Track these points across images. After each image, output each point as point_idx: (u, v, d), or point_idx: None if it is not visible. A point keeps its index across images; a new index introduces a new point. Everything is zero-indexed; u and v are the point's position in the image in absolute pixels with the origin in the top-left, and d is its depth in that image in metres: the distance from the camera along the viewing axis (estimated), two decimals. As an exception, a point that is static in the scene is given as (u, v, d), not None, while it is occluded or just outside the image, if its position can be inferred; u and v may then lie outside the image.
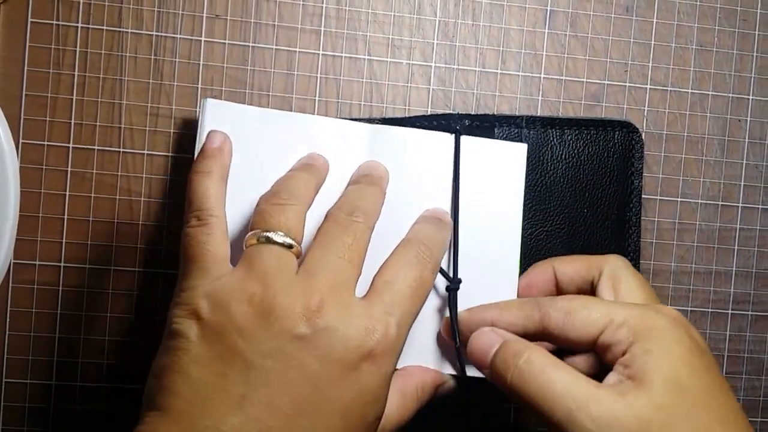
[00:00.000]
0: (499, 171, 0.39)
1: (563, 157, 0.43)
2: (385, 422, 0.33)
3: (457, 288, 0.38)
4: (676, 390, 0.31)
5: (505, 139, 0.42)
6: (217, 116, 0.37)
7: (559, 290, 0.38)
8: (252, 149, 0.37)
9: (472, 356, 0.35)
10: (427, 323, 0.39)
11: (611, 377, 0.32)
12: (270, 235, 0.32)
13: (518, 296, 0.39)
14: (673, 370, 0.32)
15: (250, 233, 0.32)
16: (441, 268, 0.37)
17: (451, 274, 0.38)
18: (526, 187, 0.40)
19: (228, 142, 0.36)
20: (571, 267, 0.38)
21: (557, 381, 0.32)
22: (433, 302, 0.39)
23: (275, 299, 0.30)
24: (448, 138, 0.39)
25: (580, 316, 0.33)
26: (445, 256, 0.38)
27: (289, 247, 0.32)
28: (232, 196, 0.35)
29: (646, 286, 0.36)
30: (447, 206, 0.39)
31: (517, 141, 0.41)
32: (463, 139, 0.39)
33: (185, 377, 0.30)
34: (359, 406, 0.31)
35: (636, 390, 0.31)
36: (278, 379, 0.29)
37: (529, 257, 0.41)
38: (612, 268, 0.37)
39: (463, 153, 0.39)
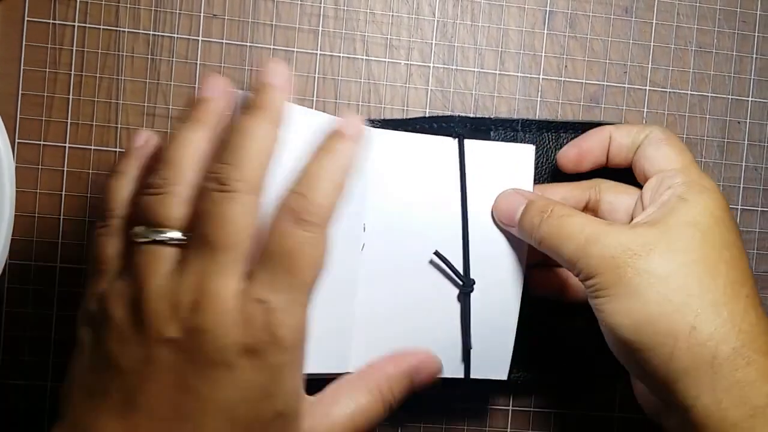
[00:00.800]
0: (508, 172, 0.40)
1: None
2: (355, 420, 0.33)
3: (471, 290, 0.38)
4: (690, 229, 0.34)
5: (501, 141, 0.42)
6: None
7: (609, 156, 0.40)
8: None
9: (500, 216, 0.39)
10: (436, 327, 0.39)
11: (638, 217, 0.37)
12: (140, 230, 0.30)
13: (572, 161, 0.41)
14: (697, 217, 0.34)
15: (133, 228, 0.30)
16: (455, 269, 0.38)
17: (462, 273, 0.38)
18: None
19: (153, 139, 0.34)
20: (623, 132, 0.40)
21: (573, 222, 0.35)
22: (444, 305, 0.39)
23: (145, 303, 0.29)
24: (451, 142, 0.39)
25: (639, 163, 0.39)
26: (459, 258, 0.39)
27: (163, 242, 0.29)
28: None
29: (686, 151, 0.38)
30: (456, 210, 0.39)
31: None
32: (469, 142, 0.39)
33: (78, 385, 0.30)
34: (248, 405, 0.29)
35: (651, 225, 0.35)
36: (154, 384, 0.28)
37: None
38: (654, 132, 0.39)
39: (470, 156, 0.39)
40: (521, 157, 0.40)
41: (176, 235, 0.29)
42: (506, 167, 0.40)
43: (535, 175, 0.41)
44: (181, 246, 0.29)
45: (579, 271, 0.35)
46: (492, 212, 0.39)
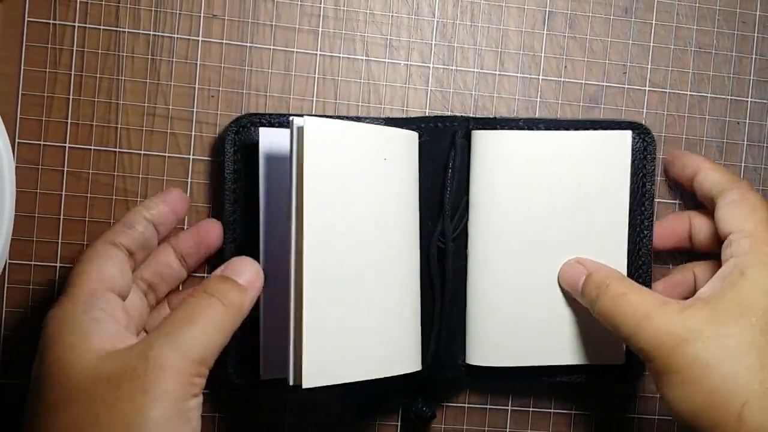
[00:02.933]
0: (607, 158, 0.41)
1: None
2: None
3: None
4: (742, 311, 0.33)
5: None
6: (315, 138, 0.35)
7: (691, 239, 0.42)
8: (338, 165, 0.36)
9: (565, 284, 0.41)
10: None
11: (701, 290, 0.37)
12: None
13: (653, 243, 0.42)
14: (753, 297, 0.34)
15: None
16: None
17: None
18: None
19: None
20: (704, 220, 0.41)
21: (627, 302, 0.36)
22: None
23: None
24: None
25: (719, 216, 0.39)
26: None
27: None
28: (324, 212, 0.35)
29: (759, 209, 0.38)
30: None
31: None
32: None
33: None
34: None
35: (701, 306, 0.34)
36: None
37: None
38: (730, 192, 0.39)
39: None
40: (619, 143, 0.42)
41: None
42: (605, 153, 0.42)
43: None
44: None
45: (637, 352, 0.36)
46: (558, 278, 0.41)
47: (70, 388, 0.30)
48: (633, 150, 0.42)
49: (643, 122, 0.44)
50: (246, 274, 0.35)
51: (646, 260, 0.42)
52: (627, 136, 0.41)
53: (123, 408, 0.29)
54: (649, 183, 0.42)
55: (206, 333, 0.32)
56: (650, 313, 0.35)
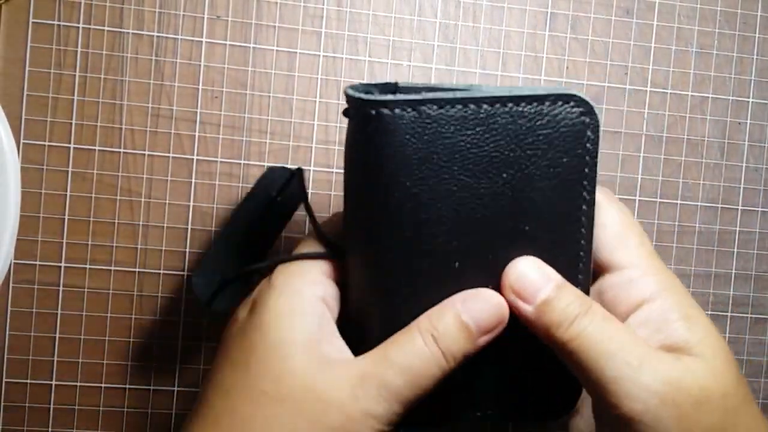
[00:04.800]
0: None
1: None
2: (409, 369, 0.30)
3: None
4: (727, 361, 0.30)
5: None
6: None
7: None
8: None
9: (515, 287, 0.31)
10: None
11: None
12: None
13: None
14: (718, 343, 0.30)
15: None
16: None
17: None
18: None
19: None
20: None
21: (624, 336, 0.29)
22: None
23: None
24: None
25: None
26: None
27: None
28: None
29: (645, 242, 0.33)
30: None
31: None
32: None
33: None
34: None
35: (690, 357, 0.29)
36: None
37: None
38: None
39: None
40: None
41: None
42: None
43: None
44: None
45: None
46: (502, 277, 0.31)
47: (284, 393, 0.29)
48: (564, 126, 0.32)
49: (644, 123, 0.44)
50: (486, 324, 0.30)
51: (586, 249, 0.32)
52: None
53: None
54: (588, 168, 0.32)
55: (421, 391, 0.29)
56: (641, 358, 0.28)
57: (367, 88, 0.31)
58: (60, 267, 0.41)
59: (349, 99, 0.31)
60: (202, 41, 0.42)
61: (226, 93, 0.42)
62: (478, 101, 0.30)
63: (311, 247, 0.34)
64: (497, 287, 0.31)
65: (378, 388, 0.29)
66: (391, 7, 0.43)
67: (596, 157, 0.31)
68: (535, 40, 0.44)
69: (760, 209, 0.45)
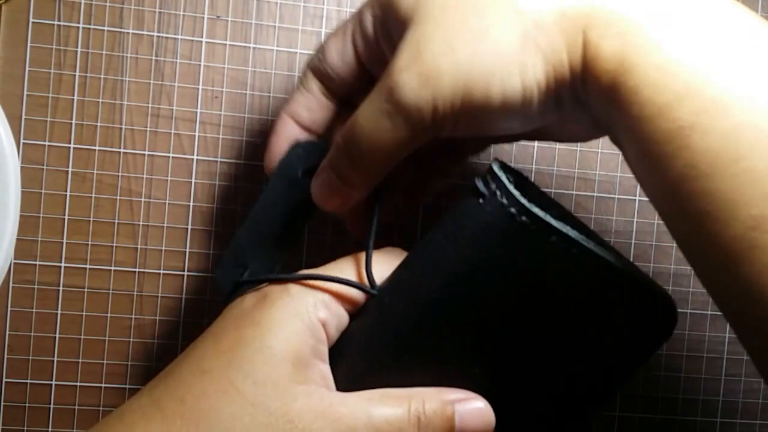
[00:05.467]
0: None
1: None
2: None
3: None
4: None
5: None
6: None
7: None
8: None
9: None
10: None
11: None
12: None
13: None
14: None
15: None
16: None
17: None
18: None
19: None
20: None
21: None
22: None
23: None
24: None
25: None
26: None
27: None
28: None
29: None
30: None
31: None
32: None
33: None
34: None
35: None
36: None
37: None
38: None
39: None
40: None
41: None
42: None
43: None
44: None
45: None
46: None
47: (271, 408, 0.28)
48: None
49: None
50: (472, 427, 0.30)
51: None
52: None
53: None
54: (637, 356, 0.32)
55: None
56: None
57: (505, 172, 0.30)
58: (60, 267, 0.41)
59: (515, 201, 0.29)
60: (202, 41, 0.42)
61: (226, 93, 0.42)
62: (599, 259, 0.29)
63: (347, 271, 0.32)
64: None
65: None
66: (391, 7, 0.43)
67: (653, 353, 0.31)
68: (535, 40, 0.44)
69: (760, 209, 0.45)
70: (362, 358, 0.31)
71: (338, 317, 0.31)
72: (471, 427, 0.30)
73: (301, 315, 0.30)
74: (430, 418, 0.29)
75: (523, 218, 0.28)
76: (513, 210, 0.28)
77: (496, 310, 0.30)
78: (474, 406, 0.30)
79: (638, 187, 0.44)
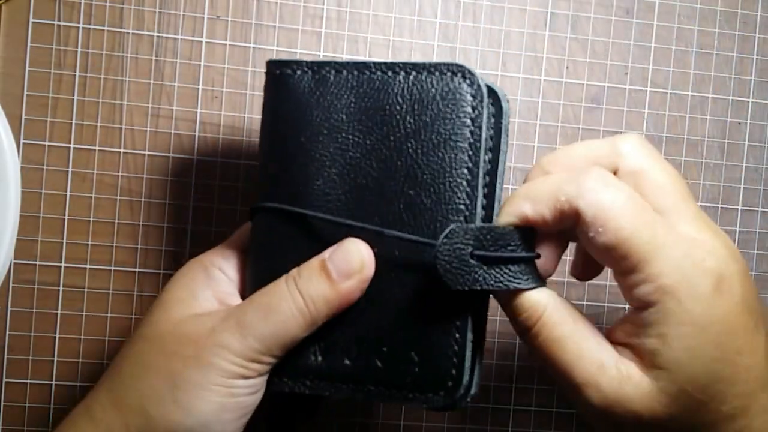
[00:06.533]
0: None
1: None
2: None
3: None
4: (688, 366, 0.29)
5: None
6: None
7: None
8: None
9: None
10: None
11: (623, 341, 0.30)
12: None
13: None
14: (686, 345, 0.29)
15: None
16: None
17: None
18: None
19: None
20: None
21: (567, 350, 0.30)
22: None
23: None
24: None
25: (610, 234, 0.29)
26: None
27: None
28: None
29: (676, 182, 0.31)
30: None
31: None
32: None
33: None
34: None
35: (642, 380, 0.29)
36: None
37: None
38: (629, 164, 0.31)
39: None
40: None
41: None
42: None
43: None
44: None
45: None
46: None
47: (155, 334, 0.32)
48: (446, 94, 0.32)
49: (644, 123, 0.44)
50: (347, 269, 0.31)
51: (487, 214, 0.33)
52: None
53: (175, 364, 0.31)
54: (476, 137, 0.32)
55: (277, 329, 0.31)
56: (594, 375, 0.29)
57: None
58: (60, 267, 0.41)
59: (266, 64, 0.34)
60: (202, 41, 0.42)
61: (226, 93, 0.42)
62: (373, 68, 0.32)
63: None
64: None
65: (237, 323, 0.31)
66: (391, 7, 0.43)
67: (481, 126, 0.31)
68: (535, 40, 0.44)
69: (760, 209, 0.45)
70: (252, 271, 0.34)
71: (233, 260, 0.35)
72: (344, 263, 0.31)
73: (189, 269, 0.34)
74: (306, 274, 0.31)
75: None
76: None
77: (337, 161, 0.33)
78: (342, 246, 0.32)
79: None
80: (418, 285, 0.32)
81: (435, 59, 0.43)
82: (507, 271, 0.30)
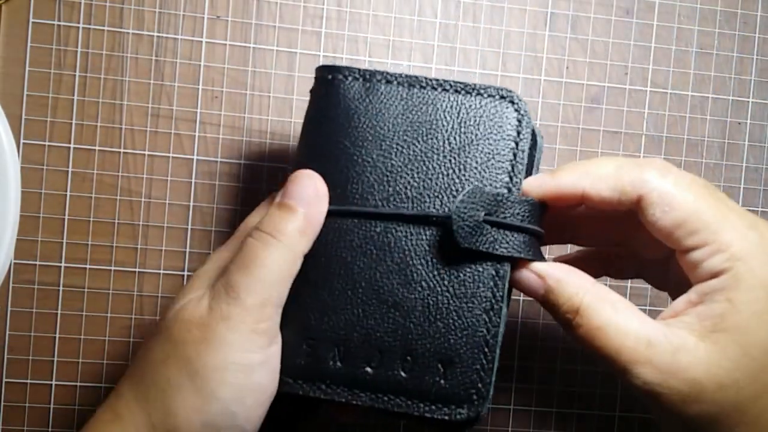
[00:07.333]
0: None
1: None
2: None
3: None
4: (746, 343, 0.30)
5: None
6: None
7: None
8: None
9: (520, 286, 0.33)
10: None
11: (683, 313, 0.31)
12: None
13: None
14: (747, 322, 0.30)
15: None
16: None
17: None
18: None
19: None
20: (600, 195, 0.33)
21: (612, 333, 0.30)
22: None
23: None
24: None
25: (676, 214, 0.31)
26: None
27: None
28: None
29: (706, 196, 0.31)
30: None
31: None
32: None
33: None
34: None
35: (697, 347, 0.30)
36: None
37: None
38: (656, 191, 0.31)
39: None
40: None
41: None
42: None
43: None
44: None
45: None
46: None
47: (162, 326, 0.32)
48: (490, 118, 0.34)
49: (645, 123, 0.44)
50: (303, 195, 0.32)
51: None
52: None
53: (189, 352, 0.30)
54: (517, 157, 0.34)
55: (262, 275, 0.31)
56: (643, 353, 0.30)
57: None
58: (60, 267, 0.41)
59: (316, 69, 0.35)
60: (202, 41, 0.42)
61: (226, 93, 0.42)
62: (424, 83, 0.34)
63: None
64: None
65: (225, 288, 0.31)
66: (391, 7, 0.43)
67: (525, 150, 0.33)
68: (535, 40, 0.44)
69: (760, 209, 0.46)
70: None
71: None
72: (298, 191, 0.32)
73: (205, 269, 0.34)
74: (268, 216, 0.32)
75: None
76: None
77: (379, 168, 0.34)
78: (294, 178, 0.33)
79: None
80: (447, 293, 0.32)
81: (435, 59, 0.43)
82: (513, 238, 0.32)
